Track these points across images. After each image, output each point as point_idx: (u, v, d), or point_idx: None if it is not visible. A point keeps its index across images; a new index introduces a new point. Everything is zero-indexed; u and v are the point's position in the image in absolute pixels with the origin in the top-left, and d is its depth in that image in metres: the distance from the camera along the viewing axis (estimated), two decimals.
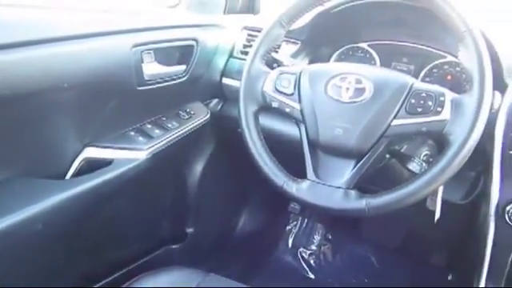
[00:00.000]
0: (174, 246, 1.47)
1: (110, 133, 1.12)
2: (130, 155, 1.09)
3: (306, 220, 1.84)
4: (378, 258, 1.73)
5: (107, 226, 1.18)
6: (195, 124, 1.26)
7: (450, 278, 1.56)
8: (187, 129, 1.23)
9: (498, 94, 0.91)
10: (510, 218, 0.89)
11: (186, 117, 1.25)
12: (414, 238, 1.65)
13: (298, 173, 0.91)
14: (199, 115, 1.28)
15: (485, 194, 0.96)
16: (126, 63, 1.03)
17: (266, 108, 0.97)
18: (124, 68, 1.04)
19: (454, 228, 1.23)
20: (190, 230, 1.51)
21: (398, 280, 1.63)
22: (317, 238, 1.81)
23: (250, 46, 1.16)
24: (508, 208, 0.90)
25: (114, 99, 1.07)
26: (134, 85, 1.07)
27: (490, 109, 0.82)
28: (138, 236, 1.34)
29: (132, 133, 1.15)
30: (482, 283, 0.98)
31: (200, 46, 1.22)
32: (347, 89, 0.87)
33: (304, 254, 1.79)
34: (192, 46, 1.20)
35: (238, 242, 1.76)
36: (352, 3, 1.15)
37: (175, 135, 1.19)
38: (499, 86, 0.94)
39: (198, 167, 1.44)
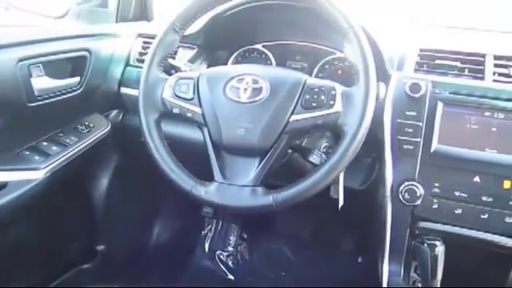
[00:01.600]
0: (85, 266, 1.41)
1: (2, 154, 1.05)
2: (26, 176, 1.03)
3: (220, 222, 1.85)
4: (292, 250, 1.78)
5: (9, 253, 1.10)
6: (96, 137, 1.21)
7: (360, 260, 1.65)
8: (87, 143, 1.18)
9: (382, 84, 0.99)
10: (403, 197, 0.97)
11: (85, 130, 1.21)
12: (323, 227, 1.73)
13: (208, 176, 0.92)
14: (99, 128, 1.24)
15: (381, 178, 1.04)
16: (12, 79, 0.97)
17: (167, 115, 0.96)
18: (11, 84, 0.98)
19: (357, 213, 1.30)
20: (100, 248, 1.45)
21: (312, 269, 1.70)
22: (232, 238, 1.83)
23: (146, 53, 1.15)
24: (401, 188, 0.97)
25: (2, 118, 1.00)
26: (23, 101, 1.01)
27: (377, 98, 0.89)
28: (44, 260, 1.27)
29: (27, 152, 1.09)
30: (386, 260, 1.06)
31: (93, 56, 1.18)
32: (245, 89, 0.90)
33: (222, 257, 1.80)
34: (85, 57, 1.16)
35: (154, 253, 1.73)
36: (242, 6, 1.18)
37: (75, 150, 1.14)
38: (383, 77, 1.02)
39: (104, 181, 1.40)
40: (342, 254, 1.72)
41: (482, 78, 1.01)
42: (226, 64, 1.31)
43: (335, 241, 1.73)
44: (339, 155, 0.83)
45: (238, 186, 0.88)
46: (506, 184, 0.93)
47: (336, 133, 0.89)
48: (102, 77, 1.24)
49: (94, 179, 1.39)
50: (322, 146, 1.03)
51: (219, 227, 1.85)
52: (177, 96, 0.94)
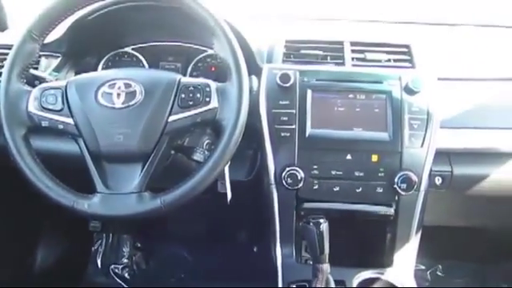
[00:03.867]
0: None
1: None
2: None
3: (110, 235, 1.78)
4: (189, 251, 1.78)
5: None
6: None
7: (255, 249, 1.70)
8: None
9: (254, 77, 1.03)
10: (286, 182, 1.02)
11: None
12: (217, 223, 1.75)
13: (91, 188, 0.88)
14: None
15: (264, 167, 1.08)
16: None
17: (36, 129, 0.90)
18: None
19: (247, 204, 1.34)
20: None
21: (211, 266, 1.71)
22: (126, 249, 1.77)
23: (3, 65, 1.06)
24: (284, 174, 1.02)
25: None
26: None
27: (251, 91, 0.93)
28: None
29: None
30: (278, 245, 1.10)
31: None
32: (118, 94, 0.87)
33: (116, 270, 1.73)
34: None
35: (42, 279, 1.61)
36: (106, 9, 1.14)
37: None
38: (255, 70, 1.06)
39: None
40: (238, 247, 1.76)
41: (343, 64, 1.10)
42: (95, 70, 1.25)
43: (230, 235, 1.76)
44: (221, 150, 0.85)
45: (122, 194, 0.85)
46: (374, 158, 1.03)
47: (216, 128, 0.90)
48: None
49: None
50: (205, 143, 1.04)
51: (110, 240, 1.78)
52: (44, 108, 0.88)
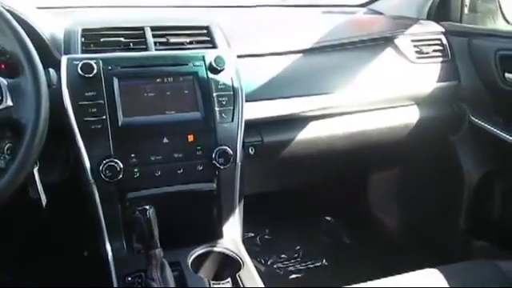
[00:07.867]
0: None
1: None
2: None
3: None
4: (8, 273, 1.59)
5: None
6: None
7: (85, 254, 1.61)
8: None
9: (52, 70, 0.96)
10: (105, 175, 0.98)
11: None
12: (39, 235, 1.60)
13: None
14: None
15: (79, 164, 1.02)
16: None
17: None
18: None
19: (68, 206, 1.26)
20: None
21: (40, 284, 1.56)
22: None
23: None
24: (101, 167, 0.98)
25: None
26: None
27: (50, 85, 0.86)
28: None
29: None
30: (107, 241, 1.07)
31: None
32: None
33: None
34: None
35: None
36: None
37: None
38: (52, 62, 0.99)
39: None
40: (66, 256, 1.63)
41: (146, 49, 1.10)
42: None
43: (55, 244, 1.62)
44: (24, 152, 0.79)
45: None
46: (190, 138, 1.06)
47: (15, 129, 0.83)
48: None
49: None
50: (6, 148, 0.94)
51: None
52: None
